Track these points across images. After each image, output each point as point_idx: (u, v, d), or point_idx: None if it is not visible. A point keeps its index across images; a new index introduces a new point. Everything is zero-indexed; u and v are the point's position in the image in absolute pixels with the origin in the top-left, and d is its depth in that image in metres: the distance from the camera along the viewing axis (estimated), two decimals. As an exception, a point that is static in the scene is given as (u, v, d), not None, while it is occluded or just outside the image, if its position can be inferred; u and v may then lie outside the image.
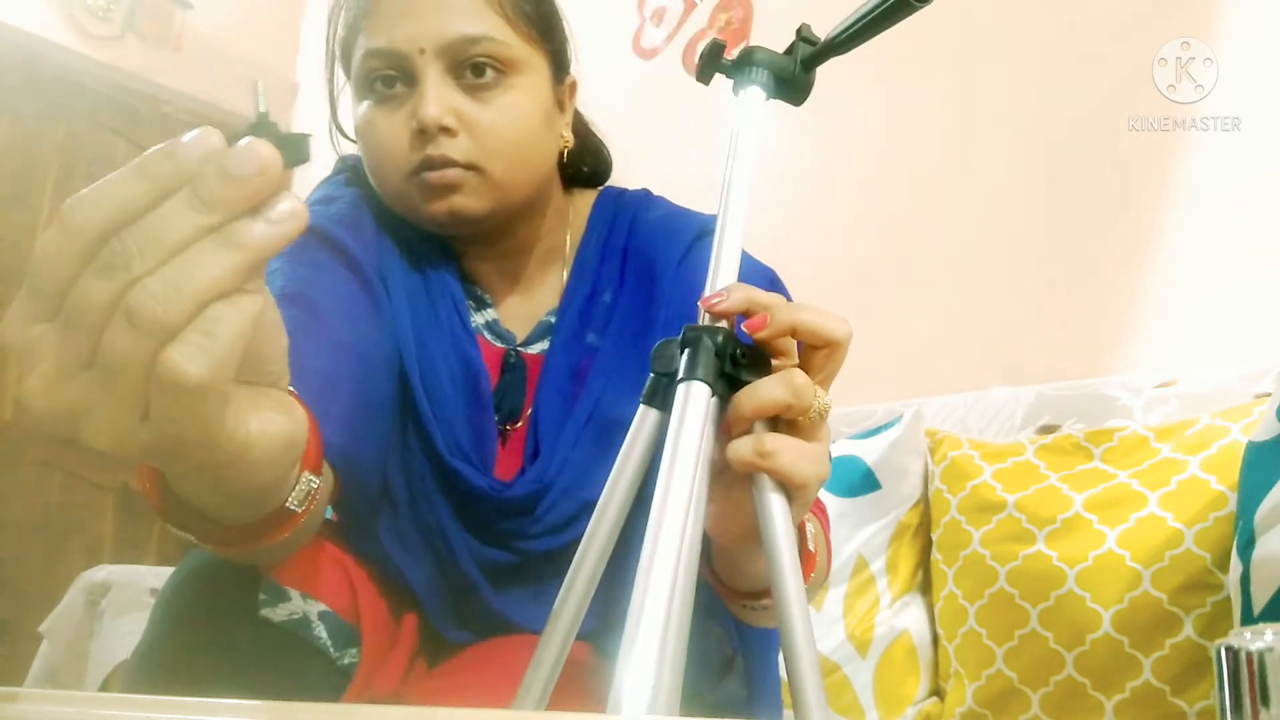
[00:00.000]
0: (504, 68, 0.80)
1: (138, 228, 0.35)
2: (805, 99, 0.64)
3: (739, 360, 0.54)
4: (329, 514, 0.79)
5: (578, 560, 0.55)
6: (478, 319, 0.87)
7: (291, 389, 0.48)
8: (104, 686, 1.84)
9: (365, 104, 0.81)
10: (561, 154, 0.88)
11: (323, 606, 0.70)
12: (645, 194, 0.94)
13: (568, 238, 0.91)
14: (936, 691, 1.51)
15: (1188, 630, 1.22)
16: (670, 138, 2.28)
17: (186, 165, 0.36)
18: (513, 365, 0.85)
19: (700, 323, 0.56)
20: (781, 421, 0.55)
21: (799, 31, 0.65)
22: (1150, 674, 1.23)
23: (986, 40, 2.00)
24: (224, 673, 0.66)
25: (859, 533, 1.59)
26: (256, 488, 0.49)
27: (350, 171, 0.90)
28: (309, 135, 0.41)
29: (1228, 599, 1.20)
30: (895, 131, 2.10)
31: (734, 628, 0.79)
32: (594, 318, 0.85)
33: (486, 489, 0.78)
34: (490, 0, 0.80)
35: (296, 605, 0.69)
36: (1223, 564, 1.21)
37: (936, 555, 1.53)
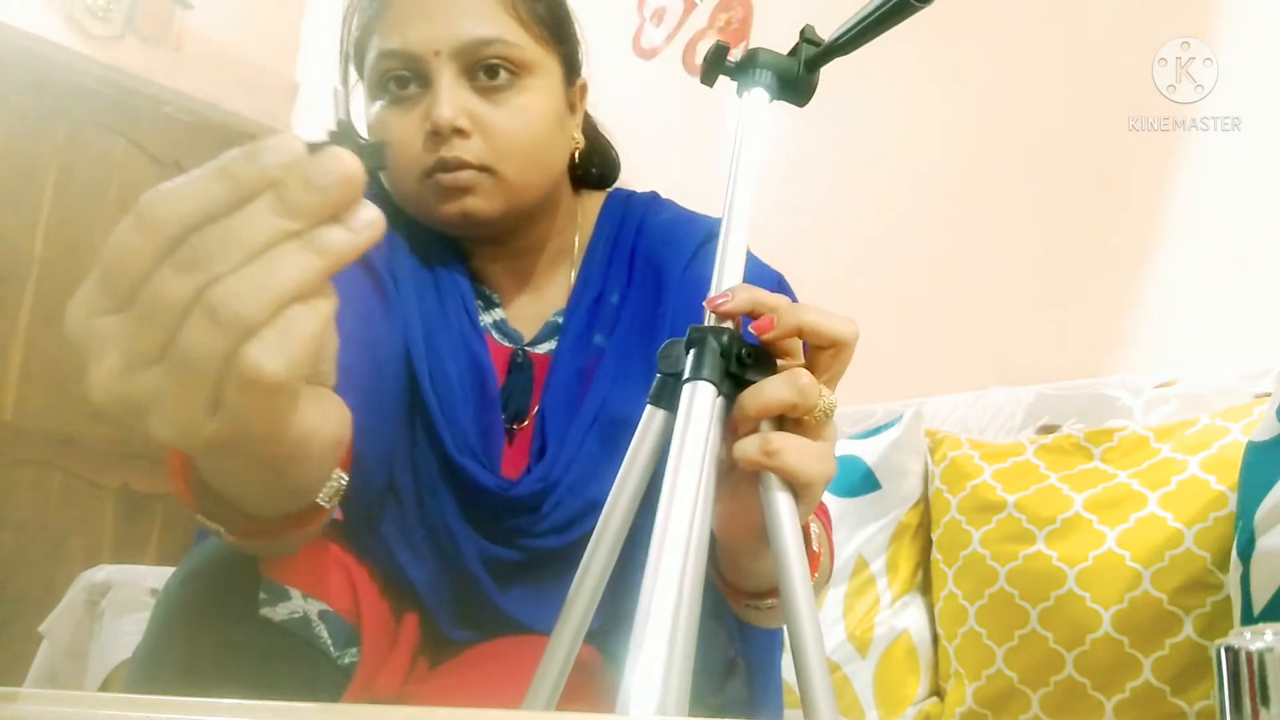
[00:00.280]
0: (517, 70, 0.81)
1: (219, 228, 0.36)
2: (809, 100, 0.64)
3: (745, 360, 0.54)
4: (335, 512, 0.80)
5: (586, 560, 0.55)
6: (486, 318, 0.87)
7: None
8: (104, 686, 1.84)
9: (378, 104, 0.81)
10: (572, 156, 0.88)
11: (323, 606, 0.70)
12: (653, 196, 0.95)
13: (576, 239, 0.91)
14: (936, 691, 1.51)
15: (1188, 630, 1.22)
16: (670, 138, 2.28)
17: (270, 170, 0.37)
18: (520, 365, 0.85)
19: (706, 324, 0.56)
20: (788, 420, 0.55)
21: (803, 33, 0.65)
22: (1150, 674, 1.23)
23: (986, 40, 2.00)
24: (225, 672, 0.66)
25: (859, 533, 1.59)
26: (305, 482, 0.51)
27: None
28: (386, 144, 0.42)
29: (1228, 599, 1.20)
30: (895, 131, 2.10)
31: (736, 630, 0.80)
32: (601, 319, 0.86)
33: (493, 486, 0.78)
34: (504, 2, 0.80)
35: (297, 605, 0.69)
36: (1223, 564, 1.21)
37: (936, 555, 1.53)
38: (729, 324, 0.56)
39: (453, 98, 0.78)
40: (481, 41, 0.79)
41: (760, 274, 0.87)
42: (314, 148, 0.37)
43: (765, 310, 0.55)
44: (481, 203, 0.79)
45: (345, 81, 0.88)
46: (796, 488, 0.54)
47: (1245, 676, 0.48)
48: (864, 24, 0.60)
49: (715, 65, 0.65)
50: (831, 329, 0.55)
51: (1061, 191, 1.84)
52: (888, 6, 0.58)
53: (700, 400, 0.52)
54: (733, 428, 0.55)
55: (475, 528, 0.79)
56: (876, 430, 1.68)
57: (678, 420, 0.51)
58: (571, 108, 0.88)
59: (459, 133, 0.78)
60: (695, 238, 0.88)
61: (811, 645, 0.50)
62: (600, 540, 0.55)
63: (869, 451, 1.63)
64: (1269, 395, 1.31)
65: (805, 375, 0.54)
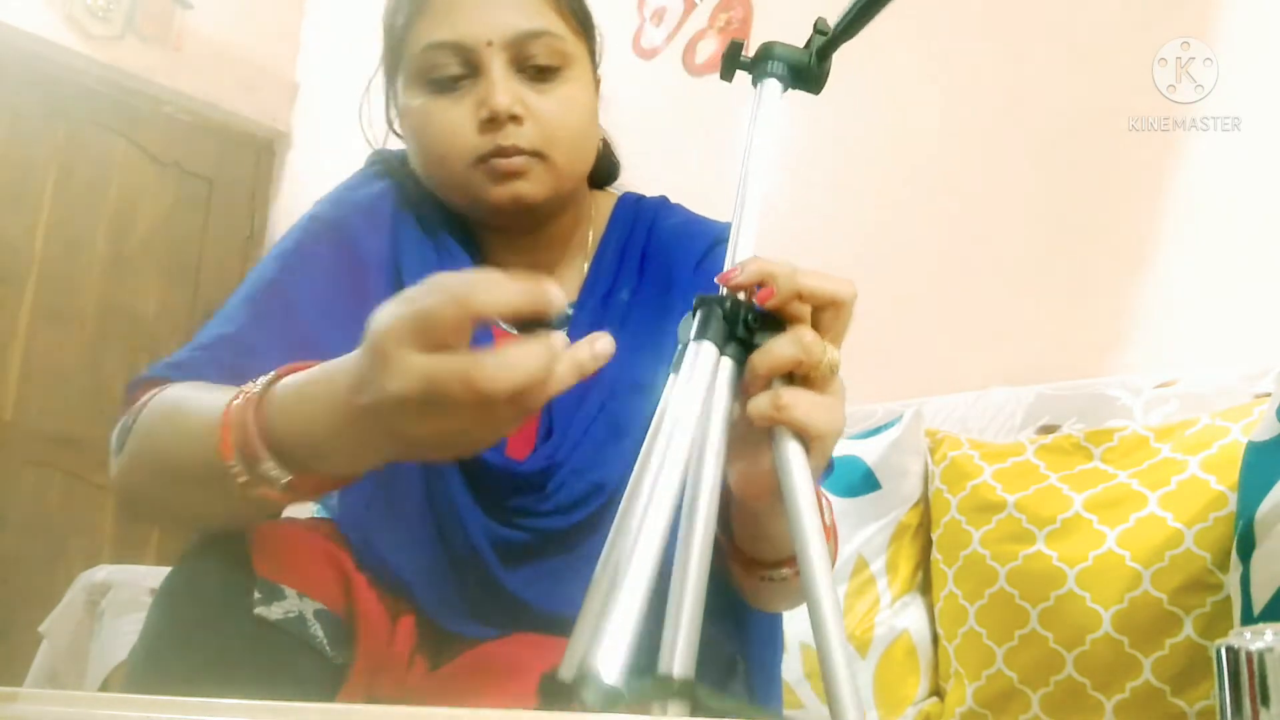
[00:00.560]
0: (561, 61, 0.84)
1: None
2: (821, 88, 0.66)
3: (752, 325, 0.57)
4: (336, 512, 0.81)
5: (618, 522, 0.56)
6: None
7: None
8: (104, 686, 1.84)
9: (422, 95, 0.83)
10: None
11: (318, 605, 0.71)
12: (664, 200, 0.97)
13: (590, 234, 0.94)
14: (936, 691, 1.51)
15: (1188, 630, 1.22)
16: (670, 137, 2.28)
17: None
18: None
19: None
20: (797, 378, 0.57)
21: (815, 25, 0.67)
22: (1150, 674, 1.23)
23: (986, 40, 2.00)
24: (220, 671, 0.66)
25: (859, 533, 1.59)
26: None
27: (382, 164, 0.93)
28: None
29: (1228, 599, 1.20)
30: (895, 130, 2.10)
31: (735, 630, 0.80)
32: (611, 314, 0.88)
33: (498, 463, 0.80)
34: None
35: (292, 604, 0.69)
36: (1223, 564, 1.21)
37: (936, 555, 1.53)
38: (741, 295, 0.58)
39: (507, 86, 0.81)
40: (531, 34, 0.82)
41: None
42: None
43: (769, 280, 0.57)
44: (532, 187, 0.82)
45: (391, 88, 0.90)
46: (807, 440, 0.56)
47: (1245, 676, 0.48)
48: (854, 14, 0.63)
49: (732, 61, 0.68)
50: (828, 290, 0.58)
51: (1062, 191, 1.84)
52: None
53: (701, 359, 0.54)
54: (745, 389, 0.57)
55: (482, 508, 0.80)
56: (876, 430, 1.68)
57: (680, 377, 0.54)
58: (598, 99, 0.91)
59: (514, 119, 0.81)
60: (705, 240, 0.90)
61: (823, 588, 0.51)
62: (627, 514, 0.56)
63: (869, 451, 1.63)
64: (1269, 395, 1.30)
65: (810, 333, 0.57)
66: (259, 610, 0.67)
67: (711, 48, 2.44)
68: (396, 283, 0.85)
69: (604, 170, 0.98)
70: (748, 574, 0.73)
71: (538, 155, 0.82)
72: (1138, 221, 1.75)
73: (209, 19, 3.40)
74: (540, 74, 0.83)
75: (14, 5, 3.02)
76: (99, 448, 3.01)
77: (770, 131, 0.64)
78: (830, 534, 0.75)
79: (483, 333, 0.84)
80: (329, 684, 0.70)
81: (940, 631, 1.50)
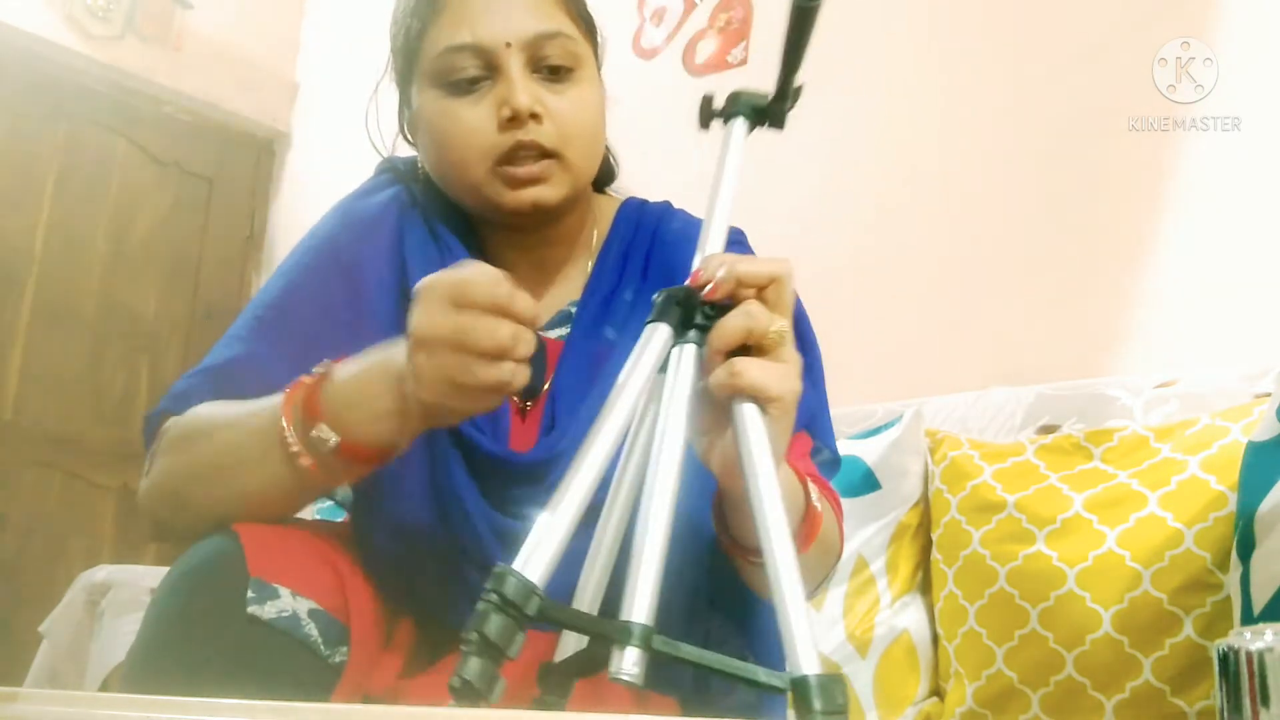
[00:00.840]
0: (574, 62, 0.86)
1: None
2: (783, 125, 0.72)
3: (710, 314, 0.62)
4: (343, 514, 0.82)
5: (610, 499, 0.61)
6: None
7: None
8: (104, 686, 1.84)
9: (439, 97, 0.85)
10: None
11: (313, 604, 0.71)
12: (667, 205, 0.99)
13: (595, 234, 0.95)
14: (936, 691, 1.51)
15: (1188, 630, 1.22)
16: (669, 138, 2.27)
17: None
18: None
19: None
20: (752, 351, 0.62)
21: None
22: (1150, 674, 1.23)
23: (986, 40, 2.00)
24: (216, 671, 0.66)
25: (859, 533, 1.58)
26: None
27: (392, 172, 0.95)
28: None
29: (1228, 599, 1.20)
30: (895, 131, 2.10)
31: (743, 624, 0.80)
32: (614, 314, 0.89)
33: (501, 454, 0.81)
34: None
35: (286, 603, 0.70)
36: (1223, 564, 1.21)
37: (936, 555, 1.53)
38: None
39: (526, 86, 0.83)
40: (547, 35, 0.84)
41: None
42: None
43: (711, 278, 0.62)
44: (550, 191, 0.85)
45: (404, 93, 0.92)
46: (763, 402, 0.60)
47: (1245, 676, 0.48)
48: (787, 46, 0.67)
49: (706, 111, 0.74)
50: (765, 270, 0.63)
51: (1062, 191, 1.84)
52: (793, 21, 0.65)
53: (655, 338, 0.61)
54: (706, 369, 0.61)
55: (485, 497, 0.81)
56: (876, 430, 1.68)
57: (633, 353, 0.60)
58: None
59: (533, 118, 0.83)
60: None
61: (776, 537, 0.54)
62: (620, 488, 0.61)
63: (869, 451, 1.63)
64: (1269, 395, 1.30)
65: (755, 305, 0.61)
66: (253, 609, 0.68)
67: (711, 48, 2.44)
68: (402, 289, 0.86)
69: (604, 172, 0.99)
70: (741, 559, 0.75)
71: (555, 156, 0.84)
72: (1138, 221, 1.75)
73: (209, 19, 3.39)
74: (554, 75, 0.85)
75: (14, 5, 3.02)
76: (99, 448, 3.00)
77: (737, 164, 0.71)
78: (818, 521, 0.76)
79: None
80: (325, 683, 0.70)
81: (940, 631, 1.50)
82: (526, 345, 0.66)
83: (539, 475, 0.81)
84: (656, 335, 0.62)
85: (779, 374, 0.61)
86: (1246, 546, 1.13)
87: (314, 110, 3.56)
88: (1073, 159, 1.83)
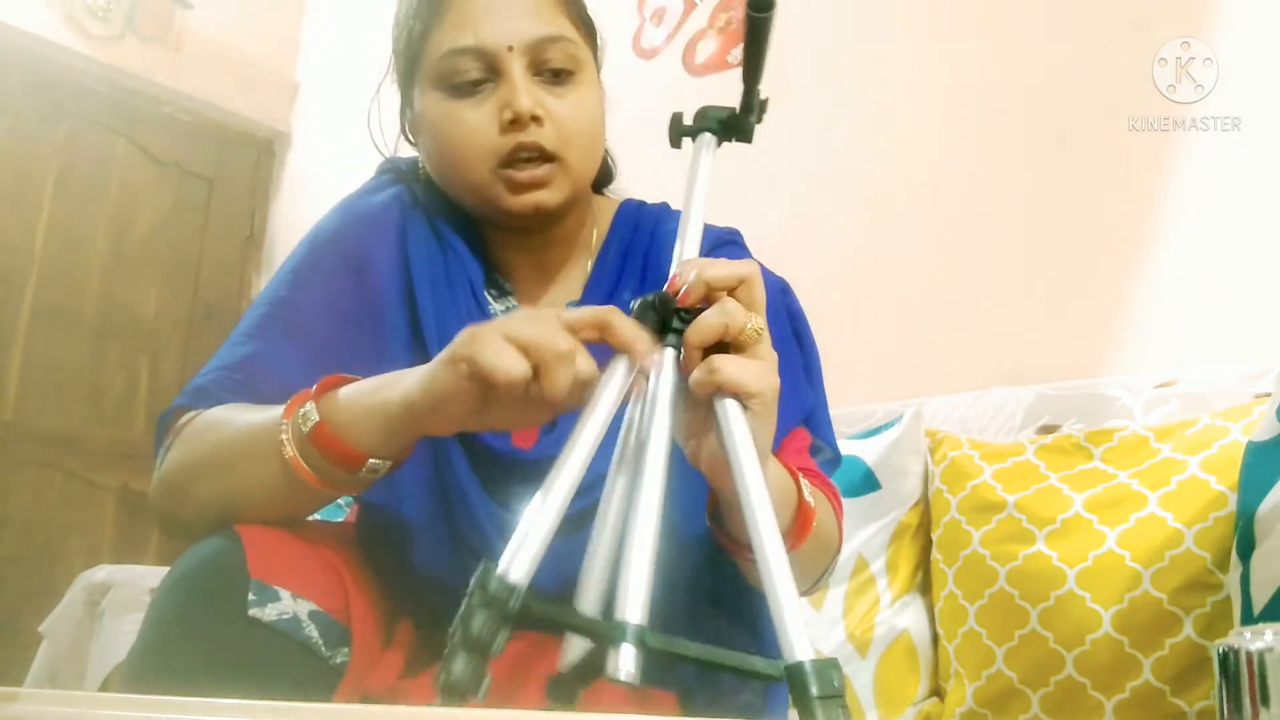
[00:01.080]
0: (574, 65, 0.87)
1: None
2: (750, 138, 0.73)
3: (685, 317, 0.63)
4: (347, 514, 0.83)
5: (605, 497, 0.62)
6: (497, 306, 0.91)
7: None
8: (104, 686, 1.84)
9: (442, 99, 0.86)
10: None
11: (313, 606, 0.71)
12: (665, 206, 0.99)
13: (594, 234, 0.96)
14: (936, 691, 1.51)
15: (1188, 630, 1.22)
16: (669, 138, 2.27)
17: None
18: None
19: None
20: (730, 349, 0.62)
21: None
22: (1150, 674, 1.23)
23: (987, 40, 2.00)
24: (216, 673, 0.67)
25: (859, 533, 1.59)
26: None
27: (394, 172, 0.96)
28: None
29: (1228, 599, 1.20)
30: (895, 131, 2.10)
31: (749, 625, 0.81)
32: None
33: (504, 451, 0.82)
34: (559, 3, 0.87)
35: (286, 605, 0.70)
36: (1223, 564, 1.21)
37: (936, 555, 1.53)
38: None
39: (528, 89, 0.84)
40: (548, 39, 0.85)
41: (765, 282, 0.90)
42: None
43: (683, 285, 0.63)
44: (551, 195, 0.85)
45: (406, 95, 0.92)
46: (743, 398, 0.61)
47: (1245, 676, 0.48)
48: (746, 57, 0.68)
49: (676, 129, 0.75)
50: (731, 273, 0.63)
51: (1062, 191, 1.84)
52: (748, 31, 0.66)
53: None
54: (685, 368, 0.62)
55: (488, 493, 0.82)
56: (876, 430, 1.68)
57: (610, 362, 0.61)
58: None
59: (535, 120, 0.83)
60: (706, 243, 0.91)
61: (764, 524, 0.55)
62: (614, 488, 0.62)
63: (869, 451, 1.63)
64: (1269, 395, 1.31)
65: (731, 302, 0.62)
66: (253, 611, 0.68)
67: (711, 48, 2.44)
68: (406, 285, 0.87)
69: (602, 173, 1.00)
70: (739, 556, 0.75)
71: (555, 159, 0.84)
72: (1138, 221, 1.75)
73: (209, 19, 3.39)
74: (556, 78, 0.86)
75: (14, 5, 3.02)
76: (99, 448, 2.99)
77: (707, 177, 0.72)
78: (811, 516, 0.77)
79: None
80: (326, 684, 0.70)
81: (940, 631, 1.50)
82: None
83: (542, 472, 0.81)
84: None
85: (757, 370, 0.61)
86: (1246, 546, 1.13)
87: (314, 110, 3.56)
88: (1073, 159, 1.83)
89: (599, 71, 0.93)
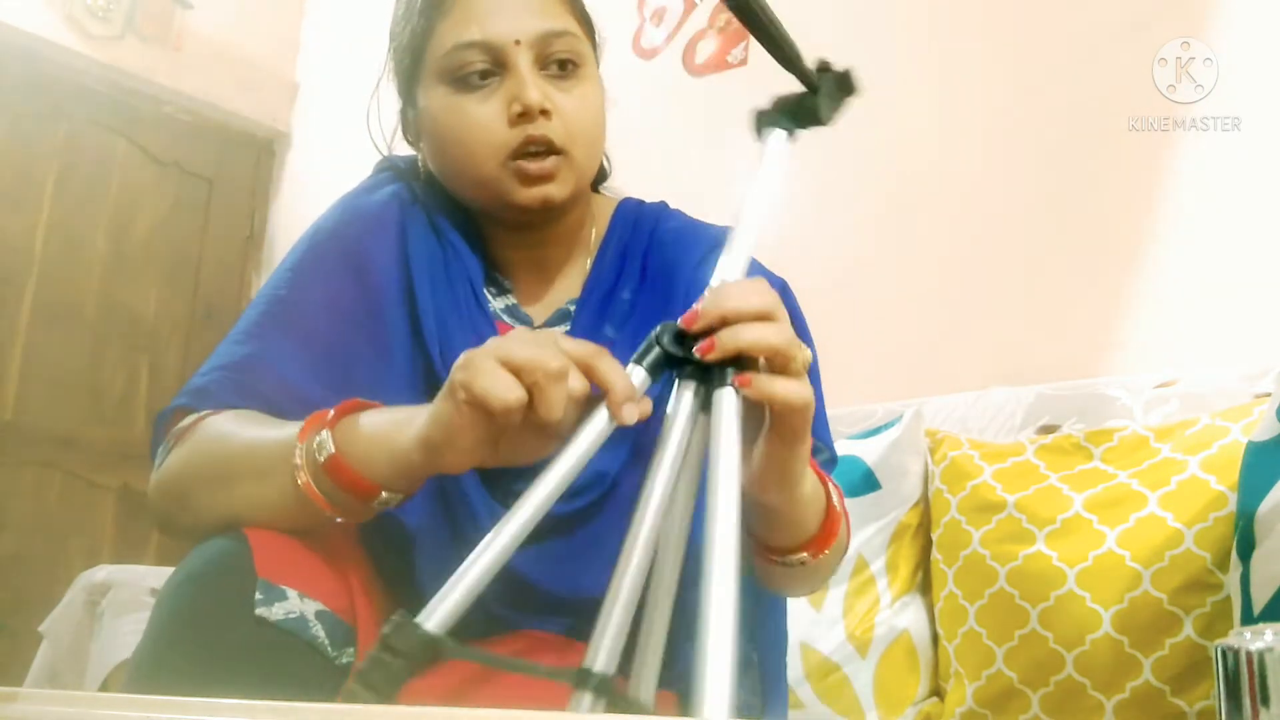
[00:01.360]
0: (578, 60, 0.87)
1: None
2: (824, 117, 0.72)
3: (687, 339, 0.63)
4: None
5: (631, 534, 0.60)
6: (497, 304, 0.92)
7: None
8: (104, 686, 1.84)
9: (447, 94, 0.86)
10: None
11: (320, 605, 0.71)
12: (664, 205, 1.00)
13: (593, 233, 0.96)
14: (936, 691, 1.51)
15: (1188, 630, 1.22)
16: (670, 137, 2.28)
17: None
18: None
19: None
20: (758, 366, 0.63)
21: (817, 65, 0.73)
22: (1150, 674, 1.23)
23: (986, 40, 2.00)
24: (222, 672, 0.66)
25: (859, 533, 1.58)
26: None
27: (392, 170, 0.96)
28: None
29: (1228, 599, 1.20)
30: (894, 131, 2.10)
31: (749, 630, 0.81)
32: (613, 312, 0.90)
33: None
34: None
35: (293, 604, 0.70)
36: (1223, 564, 1.21)
37: (936, 555, 1.53)
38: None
39: (536, 82, 0.84)
40: (554, 33, 0.86)
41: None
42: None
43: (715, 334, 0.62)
44: (559, 189, 0.86)
45: (408, 92, 0.92)
46: (788, 414, 0.62)
47: (1245, 676, 0.48)
48: (762, 41, 0.68)
49: (763, 121, 0.73)
50: (750, 308, 0.62)
51: (1062, 191, 1.84)
52: (743, 23, 0.66)
53: (682, 401, 0.62)
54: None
55: (489, 491, 0.82)
56: (876, 430, 1.67)
57: (667, 419, 0.61)
58: None
59: (543, 114, 0.84)
60: (705, 242, 0.92)
61: (723, 509, 0.55)
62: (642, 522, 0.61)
63: (869, 451, 1.63)
64: (1269, 395, 1.31)
65: (790, 330, 0.63)
66: (260, 611, 0.68)
67: (711, 48, 2.44)
68: (406, 283, 0.87)
69: (599, 171, 1.00)
70: (763, 559, 0.76)
71: (562, 153, 0.85)
72: (1138, 221, 1.75)
73: (209, 19, 3.39)
74: (560, 72, 0.87)
75: (14, 5, 3.02)
76: (99, 448, 2.99)
77: (776, 177, 0.70)
78: (837, 523, 0.79)
79: (488, 320, 0.87)
80: (332, 684, 0.70)
81: (940, 631, 1.50)
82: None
83: (540, 471, 0.81)
84: (682, 400, 0.62)
85: (798, 388, 0.63)
86: (1246, 546, 1.13)
87: (314, 110, 3.56)
88: (1073, 159, 1.83)
89: (599, 69, 0.93)
